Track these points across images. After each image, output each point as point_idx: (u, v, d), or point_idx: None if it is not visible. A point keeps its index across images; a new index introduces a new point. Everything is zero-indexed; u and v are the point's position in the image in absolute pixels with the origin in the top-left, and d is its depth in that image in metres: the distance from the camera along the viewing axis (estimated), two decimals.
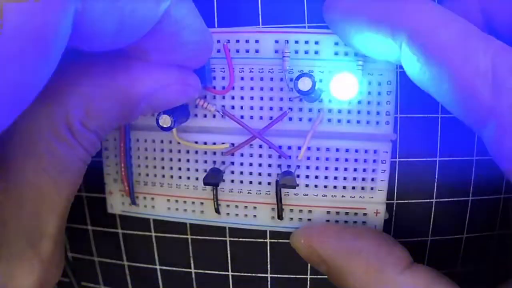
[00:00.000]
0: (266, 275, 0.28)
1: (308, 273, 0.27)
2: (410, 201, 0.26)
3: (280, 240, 0.27)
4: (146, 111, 0.21)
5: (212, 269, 0.29)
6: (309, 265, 0.27)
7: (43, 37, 0.13)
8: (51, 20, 0.13)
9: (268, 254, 0.27)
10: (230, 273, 0.28)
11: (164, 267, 0.29)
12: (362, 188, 0.25)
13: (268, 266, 0.28)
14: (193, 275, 0.29)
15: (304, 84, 0.21)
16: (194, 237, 0.28)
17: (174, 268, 0.29)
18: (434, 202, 0.26)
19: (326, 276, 0.23)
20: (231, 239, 0.28)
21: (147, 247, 0.29)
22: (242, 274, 0.28)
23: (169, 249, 0.29)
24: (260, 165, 0.25)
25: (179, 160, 0.26)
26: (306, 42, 0.23)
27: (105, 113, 0.20)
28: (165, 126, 0.23)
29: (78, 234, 0.30)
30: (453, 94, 0.19)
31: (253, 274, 0.28)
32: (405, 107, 0.24)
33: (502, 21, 0.22)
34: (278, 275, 0.28)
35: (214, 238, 0.28)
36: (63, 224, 0.21)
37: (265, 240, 0.27)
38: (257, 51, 0.24)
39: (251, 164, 0.26)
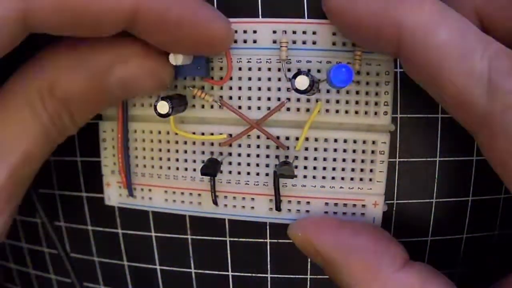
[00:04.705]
0: (266, 275, 0.28)
1: (308, 273, 0.27)
2: (410, 201, 0.26)
3: (280, 240, 0.27)
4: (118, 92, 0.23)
5: (212, 269, 0.28)
6: (309, 265, 0.27)
7: None
8: None
9: (268, 254, 0.27)
10: (230, 273, 0.28)
11: (164, 267, 0.29)
12: (361, 179, 0.25)
13: (268, 266, 0.28)
14: (193, 275, 0.29)
15: (301, 83, 0.21)
16: (194, 237, 0.28)
17: (174, 268, 0.29)
18: (434, 202, 0.26)
19: (326, 277, 0.23)
20: (231, 239, 0.28)
21: (147, 247, 0.29)
22: (242, 274, 0.28)
23: (169, 249, 0.29)
24: (258, 155, 0.25)
25: (177, 151, 0.26)
26: (304, 32, 0.24)
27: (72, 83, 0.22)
28: (162, 112, 0.23)
29: (78, 234, 0.30)
30: (449, 95, 0.19)
31: (253, 274, 0.28)
32: (405, 107, 0.25)
33: (495, 22, 0.22)
34: (278, 275, 0.28)
35: (214, 238, 0.28)
36: (15, 186, 0.22)
37: (265, 240, 0.27)
38: (254, 41, 0.24)
39: (248, 155, 0.25)
